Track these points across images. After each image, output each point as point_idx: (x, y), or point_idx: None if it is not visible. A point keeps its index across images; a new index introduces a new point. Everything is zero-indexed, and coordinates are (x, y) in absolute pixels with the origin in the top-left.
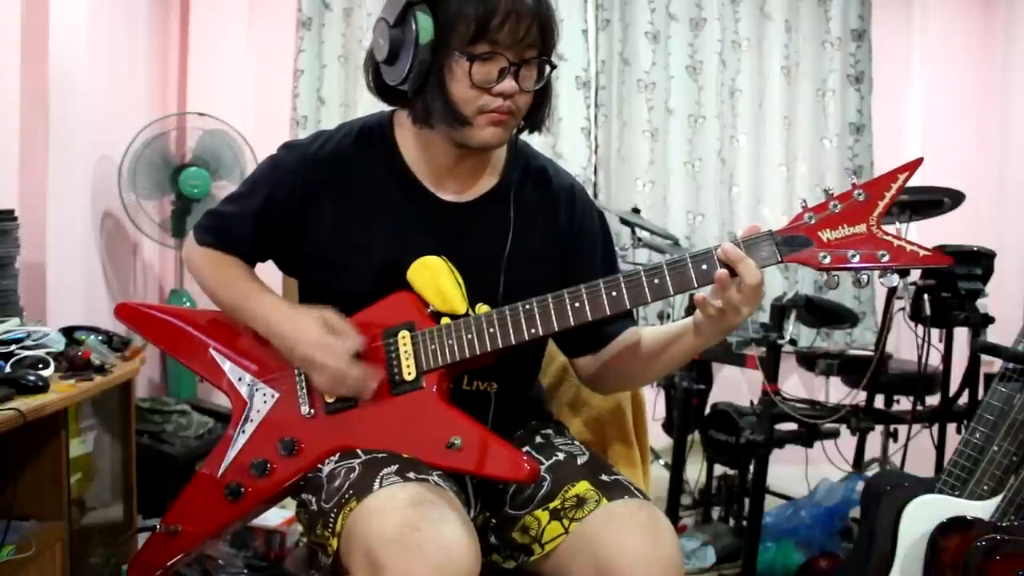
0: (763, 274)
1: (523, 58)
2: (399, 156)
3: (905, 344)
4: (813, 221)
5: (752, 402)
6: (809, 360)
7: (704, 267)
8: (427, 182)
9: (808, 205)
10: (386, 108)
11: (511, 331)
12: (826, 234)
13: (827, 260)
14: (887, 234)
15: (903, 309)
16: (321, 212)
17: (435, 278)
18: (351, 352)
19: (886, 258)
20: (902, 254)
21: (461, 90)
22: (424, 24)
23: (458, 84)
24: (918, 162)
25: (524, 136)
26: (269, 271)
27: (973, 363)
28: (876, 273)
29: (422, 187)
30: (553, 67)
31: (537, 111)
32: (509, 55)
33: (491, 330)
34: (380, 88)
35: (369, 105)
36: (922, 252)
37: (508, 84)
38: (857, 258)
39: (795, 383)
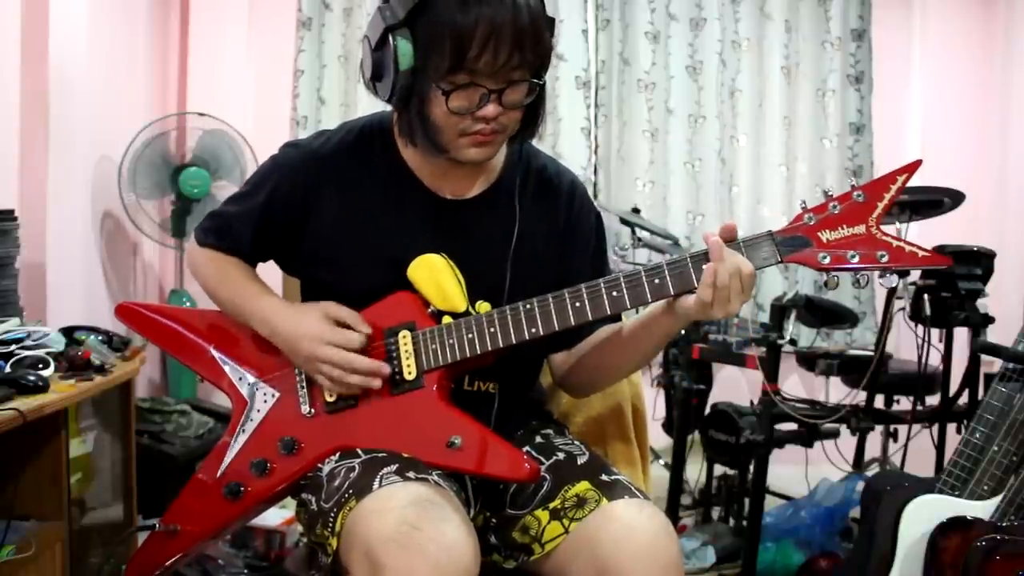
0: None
1: (508, 80)
2: (399, 155)
3: (905, 344)
4: (812, 222)
5: (752, 402)
6: (809, 360)
7: (704, 267)
8: (427, 181)
9: (808, 206)
10: (387, 108)
11: (512, 331)
12: (825, 235)
13: (827, 260)
14: (886, 235)
15: (903, 309)
16: (322, 208)
17: (435, 276)
18: (358, 344)
19: (885, 259)
20: (901, 255)
21: (441, 117)
22: (403, 50)
23: (437, 111)
24: (917, 164)
25: None
26: (270, 271)
27: (973, 363)
28: (876, 273)
29: (422, 185)
30: (542, 86)
31: (529, 124)
32: (489, 83)
33: (492, 330)
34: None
35: (369, 105)
36: (921, 253)
37: (490, 109)
38: (856, 259)
39: (795, 383)
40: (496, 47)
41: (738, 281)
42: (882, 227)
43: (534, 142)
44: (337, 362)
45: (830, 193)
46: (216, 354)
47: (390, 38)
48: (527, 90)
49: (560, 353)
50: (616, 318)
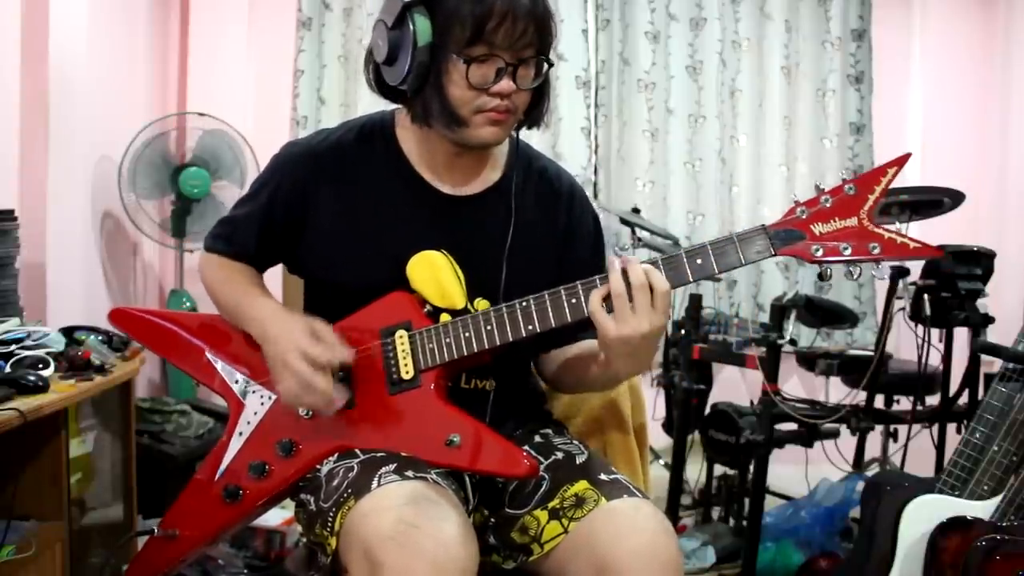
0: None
1: (520, 58)
2: (400, 151)
3: (905, 344)
4: (805, 215)
5: (752, 402)
6: (809, 360)
7: (699, 261)
8: (428, 176)
9: (800, 200)
10: (387, 108)
11: (508, 329)
12: (818, 227)
13: (819, 253)
14: (878, 227)
15: (903, 309)
16: (322, 204)
17: (435, 272)
18: (329, 364)
19: (877, 250)
20: (893, 246)
21: (459, 91)
22: (421, 26)
23: (456, 85)
24: (906, 157)
25: (523, 134)
26: (270, 270)
27: (973, 363)
28: (872, 267)
29: (423, 181)
30: (551, 65)
31: (535, 108)
32: (506, 56)
33: (488, 328)
34: (380, 86)
35: (369, 105)
36: (912, 244)
37: (505, 84)
38: (849, 250)
39: (795, 383)
40: (513, 20)
41: (646, 295)
42: (874, 219)
43: (535, 140)
44: (299, 374)
45: (822, 187)
46: (211, 357)
47: (408, 16)
48: (536, 72)
49: (549, 352)
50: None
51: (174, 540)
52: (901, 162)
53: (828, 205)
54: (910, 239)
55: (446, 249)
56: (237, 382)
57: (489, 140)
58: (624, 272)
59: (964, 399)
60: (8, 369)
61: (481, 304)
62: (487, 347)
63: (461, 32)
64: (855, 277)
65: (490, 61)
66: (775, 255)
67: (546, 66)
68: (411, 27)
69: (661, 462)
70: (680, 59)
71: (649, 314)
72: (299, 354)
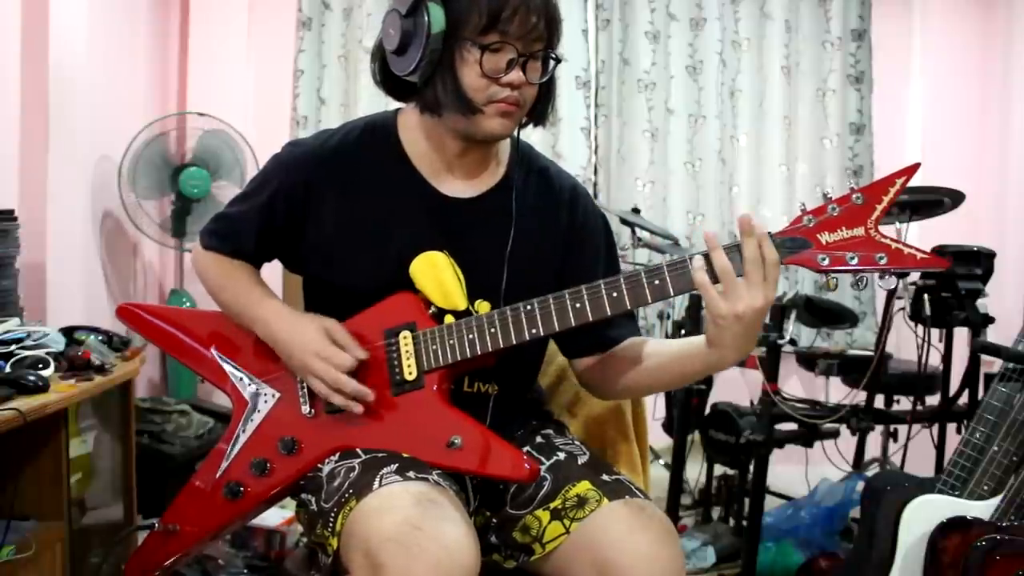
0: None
1: (530, 51)
2: (403, 152)
3: (905, 344)
4: (812, 224)
5: (752, 402)
6: (809, 360)
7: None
8: (431, 178)
9: (807, 208)
10: (388, 108)
11: (512, 331)
12: (825, 236)
13: (826, 262)
14: (885, 237)
15: (903, 309)
16: (325, 206)
17: (437, 274)
18: (348, 365)
19: (884, 260)
20: (900, 256)
21: (472, 78)
22: (436, 14)
23: (469, 72)
24: (915, 167)
25: (526, 132)
26: (269, 269)
27: (973, 363)
28: (876, 275)
29: (426, 183)
30: (558, 61)
31: (541, 105)
32: (518, 46)
33: (492, 330)
34: (386, 81)
35: (369, 105)
36: (919, 255)
37: (516, 75)
38: (856, 260)
39: (795, 383)
40: (527, 11)
41: (760, 268)
42: (881, 228)
43: (535, 140)
44: (325, 379)
45: (829, 195)
46: (216, 354)
47: (422, 4)
48: (543, 68)
49: (586, 359)
50: (636, 330)
51: (174, 535)
52: (910, 172)
53: (835, 214)
54: (917, 249)
55: (447, 251)
56: (241, 379)
57: (497, 132)
58: (730, 246)
59: (964, 399)
60: (8, 369)
61: (482, 306)
62: (490, 350)
63: (477, 20)
64: (862, 287)
65: (502, 51)
66: (781, 263)
67: (553, 63)
68: (425, 15)
69: (661, 462)
70: (680, 59)
71: (763, 287)
72: (320, 358)
